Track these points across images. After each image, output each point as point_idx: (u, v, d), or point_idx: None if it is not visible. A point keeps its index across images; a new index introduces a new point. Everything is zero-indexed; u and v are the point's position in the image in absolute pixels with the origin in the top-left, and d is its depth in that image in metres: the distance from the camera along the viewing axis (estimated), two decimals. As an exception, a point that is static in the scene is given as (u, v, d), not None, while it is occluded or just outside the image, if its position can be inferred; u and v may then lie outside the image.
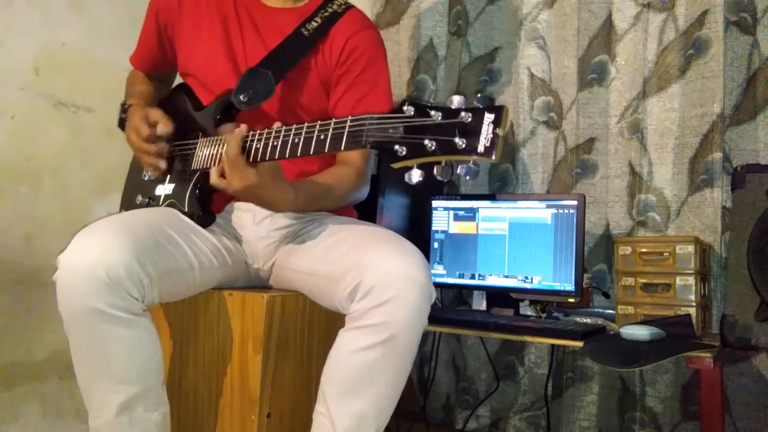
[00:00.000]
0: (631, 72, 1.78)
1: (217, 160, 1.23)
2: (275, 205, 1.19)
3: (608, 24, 1.81)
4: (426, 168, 0.93)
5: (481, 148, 0.86)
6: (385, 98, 1.39)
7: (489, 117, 0.87)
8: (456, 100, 0.90)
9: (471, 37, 2.05)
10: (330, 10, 1.38)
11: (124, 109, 1.40)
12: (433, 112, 0.90)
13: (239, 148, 1.11)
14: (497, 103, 1.97)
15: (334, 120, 1.02)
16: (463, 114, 0.88)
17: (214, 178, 1.15)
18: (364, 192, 1.40)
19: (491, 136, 0.86)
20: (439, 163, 0.91)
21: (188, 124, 1.36)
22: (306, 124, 1.07)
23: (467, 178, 0.90)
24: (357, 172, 1.35)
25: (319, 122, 1.04)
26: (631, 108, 1.77)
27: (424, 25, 2.14)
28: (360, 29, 1.38)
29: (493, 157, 0.86)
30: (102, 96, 1.92)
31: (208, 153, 1.27)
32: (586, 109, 1.84)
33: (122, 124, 1.39)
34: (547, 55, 1.91)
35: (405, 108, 0.92)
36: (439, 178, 0.93)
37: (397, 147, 0.92)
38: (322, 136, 1.03)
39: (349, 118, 1.00)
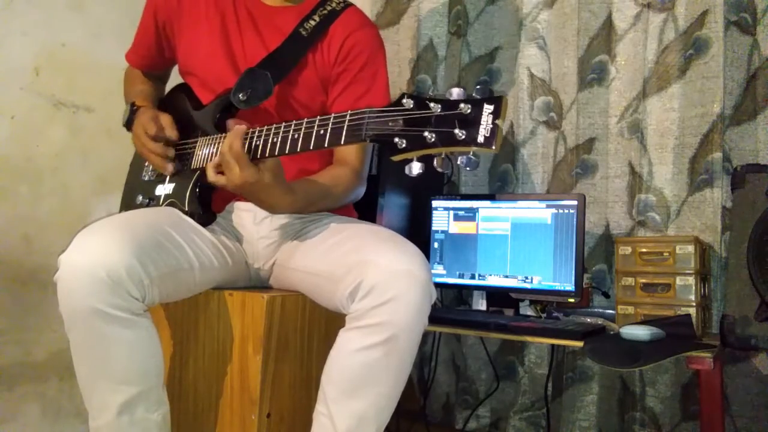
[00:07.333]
0: (631, 72, 1.78)
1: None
2: (273, 207, 1.18)
3: (608, 24, 1.81)
4: (426, 160, 0.93)
5: (480, 139, 0.86)
6: (383, 96, 1.39)
7: (488, 108, 0.87)
8: (455, 92, 0.90)
9: (471, 37, 2.05)
10: (329, 8, 1.38)
11: (133, 110, 1.39)
12: (432, 104, 0.90)
13: (243, 144, 1.10)
14: (497, 102, 1.97)
15: (333, 114, 1.02)
16: (462, 105, 0.88)
17: (211, 176, 1.15)
18: (360, 191, 1.40)
19: (491, 126, 0.86)
20: (439, 154, 0.92)
21: (188, 124, 1.35)
22: (306, 119, 1.07)
23: (468, 169, 0.91)
24: (353, 173, 1.35)
25: (318, 117, 1.04)
26: (631, 108, 1.77)
27: (424, 25, 2.14)
28: (358, 27, 1.38)
29: (493, 147, 0.86)
30: (102, 96, 1.92)
31: (207, 152, 1.27)
32: (586, 109, 1.84)
33: (129, 124, 1.38)
34: (547, 55, 1.92)
35: (404, 101, 0.92)
36: (439, 169, 0.93)
37: (396, 140, 0.92)
38: (321, 131, 1.03)
39: (349, 112, 1.00)
